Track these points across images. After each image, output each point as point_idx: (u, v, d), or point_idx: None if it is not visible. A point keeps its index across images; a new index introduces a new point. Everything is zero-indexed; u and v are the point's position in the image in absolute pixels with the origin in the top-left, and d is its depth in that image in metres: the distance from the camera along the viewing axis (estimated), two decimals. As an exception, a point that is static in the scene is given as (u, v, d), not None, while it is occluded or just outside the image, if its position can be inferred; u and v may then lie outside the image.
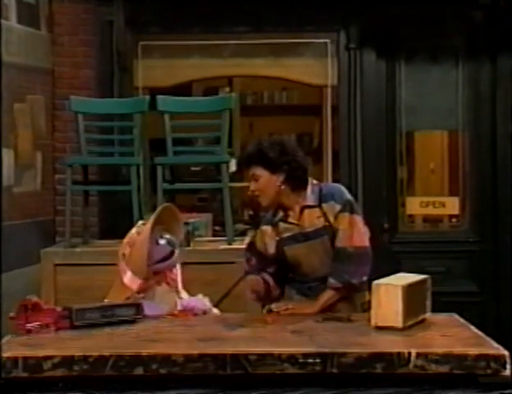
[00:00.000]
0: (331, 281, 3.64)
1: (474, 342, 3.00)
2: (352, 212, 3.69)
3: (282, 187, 3.69)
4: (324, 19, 6.24)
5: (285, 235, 3.73)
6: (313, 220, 3.70)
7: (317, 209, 3.70)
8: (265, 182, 3.68)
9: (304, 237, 3.70)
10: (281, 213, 3.76)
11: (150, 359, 2.85)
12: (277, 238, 3.74)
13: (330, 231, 3.67)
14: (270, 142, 3.74)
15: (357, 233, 3.68)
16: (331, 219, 3.68)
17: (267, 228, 3.79)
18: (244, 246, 4.99)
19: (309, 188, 3.74)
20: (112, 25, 6.12)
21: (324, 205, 3.70)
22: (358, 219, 3.70)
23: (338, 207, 3.68)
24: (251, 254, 3.83)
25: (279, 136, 4.01)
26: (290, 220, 3.74)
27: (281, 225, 3.76)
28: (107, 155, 5.59)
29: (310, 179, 3.77)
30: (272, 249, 3.75)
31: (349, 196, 3.74)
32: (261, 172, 3.67)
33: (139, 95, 6.19)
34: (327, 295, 3.65)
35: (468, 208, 6.42)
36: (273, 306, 3.60)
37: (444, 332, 3.20)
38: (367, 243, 3.71)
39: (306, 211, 3.72)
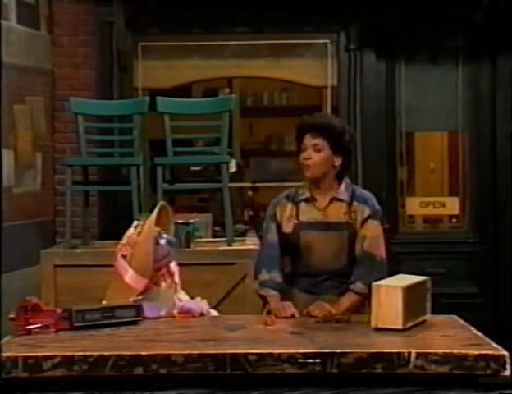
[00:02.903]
0: (360, 285, 3.61)
1: (474, 343, 3.00)
2: (380, 222, 3.73)
3: (334, 170, 3.69)
4: (324, 20, 6.23)
5: (306, 219, 3.69)
6: (338, 213, 3.69)
7: (344, 205, 3.69)
8: (323, 158, 3.67)
9: (325, 226, 3.67)
10: (307, 194, 3.73)
11: (150, 360, 2.85)
12: (296, 221, 3.70)
13: (351, 230, 3.66)
14: (342, 124, 3.79)
15: (384, 244, 3.72)
16: (359, 220, 3.67)
17: (288, 204, 3.75)
18: (243, 247, 5.03)
19: (344, 184, 3.75)
20: (111, 25, 6.12)
21: (355, 204, 3.69)
22: (382, 230, 3.75)
23: (368, 212, 3.69)
24: (274, 227, 3.75)
25: (346, 123, 4.04)
26: (317, 205, 3.71)
27: (303, 205, 3.72)
28: (107, 156, 5.59)
29: (345, 176, 3.79)
30: (288, 229, 3.71)
31: (379, 206, 3.76)
32: (324, 147, 3.66)
33: (139, 96, 6.20)
34: (352, 299, 3.63)
35: (468, 208, 6.41)
36: (310, 308, 3.56)
37: (444, 332, 3.20)
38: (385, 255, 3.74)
39: (334, 203, 3.70)
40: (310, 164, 3.66)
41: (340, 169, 3.72)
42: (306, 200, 3.73)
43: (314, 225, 3.69)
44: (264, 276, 3.71)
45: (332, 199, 3.71)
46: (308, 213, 3.72)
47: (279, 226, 3.75)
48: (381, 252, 3.70)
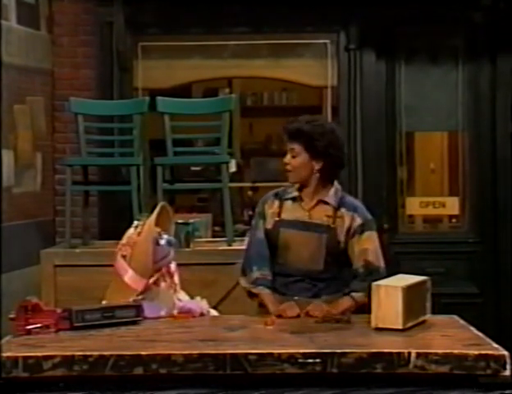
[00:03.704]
0: (361, 295, 3.59)
1: (474, 343, 3.00)
2: (376, 232, 3.71)
3: (316, 174, 3.68)
4: (324, 19, 6.24)
5: (287, 217, 3.69)
6: (321, 215, 3.67)
7: (330, 209, 3.68)
8: (301, 163, 3.66)
9: (305, 226, 3.66)
10: (295, 193, 3.73)
11: (150, 360, 2.85)
12: (277, 218, 3.70)
13: (331, 234, 3.64)
14: (323, 129, 3.68)
15: (382, 253, 3.71)
16: (345, 227, 3.65)
17: (275, 201, 3.75)
18: (243, 247, 5.01)
19: (333, 189, 3.73)
20: (111, 25, 6.12)
21: (343, 210, 3.67)
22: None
23: (359, 221, 3.66)
24: (261, 224, 3.74)
25: (333, 124, 3.98)
26: (303, 205, 3.70)
27: (289, 204, 3.72)
28: (107, 156, 5.59)
29: (336, 181, 3.77)
30: (269, 225, 3.72)
31: (370, 215, 3.73)
32: (300, 151, 3.66)
33: (139, 96, 6.20)
34: (348, 304, 3.61)
35: (468, 208, 6.41)
36: (309, 308, 3.55)
37: (444, 332, 3.20)
38: None
39: (320, 205, 3.69)
40: (289, 169, 3.69)
41: (323, 173, 3.69)
42: (293, 199, 3.73)
43: (295, 224, 3.68)
44: (255, 273, 3.69)
45: (319, 202, 3.70)
46: (291, 212, 3.71)
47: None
48: (382, 262, 3.70)
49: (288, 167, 3.69)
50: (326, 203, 3.70)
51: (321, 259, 3.66)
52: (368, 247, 3.67)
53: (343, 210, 3.68)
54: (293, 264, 3.68)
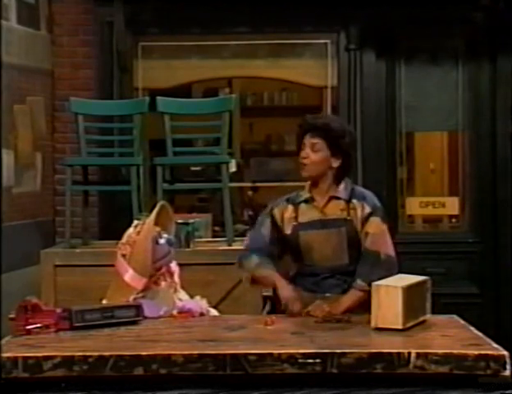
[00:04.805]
0: (360, 283, 3.58)
1: (474, 343, 3.00)
2: (383, 219, 3.71)
3: (331, 172, 3.70)
4: (324, 19, 6.24)
5: (304, 219, 3.71)
6: (336, 210, 3.70)
7: (343, 202, 3.70)
8: (321, 158, 3.68)
9: (322, 225, 3.68)
10: (307, 194, 3.75)
11: (150, 360, 2.85)
12: (295, 223, 3.71)
13: (349, 227, 3.66)
14: (343, 126, 3.79)
15: (389, 241, 3.70)
16: (358, 217, 3.67)
17: (288, 206, 3.76)
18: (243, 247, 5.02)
19: (343, 184, 3.75)
20: (111, 25, 6.12)
21: (354, 201, 3.70)
22: (387, 228, 3.73)
23: (368, 209, 3.68)
24: (268, 223, 3.77)
25: (347, 125, 4.05)
26: (316, 204, 3.72)
27: (303, 206, 3.74)
28: (107, 156, 5.60)
29: (346, 178, 3.79)
30: (288, 230, 3.72)
31: (379, 204, 3.75)
32: (323, 147, 3.68)
33: (139, 96, 6.20)
34: (354, 297, 3.59)
35: (468, 208, 6.41)
36: (310, 308, 3.55)
37: (444, 332, 3.20)
38: (394, 253, 3.72)
39: (333, 201, 3.71)
40: (307, 163, 3.69)
41: (339, 171, 3.72)
42: (306, 201, 3.75)
43: (312, 224, 3.70)
44: (255, 260, 3.72)
45: (331, 198, 3.73)
46: (307, 214, 3.73)
47: (278, 227, 3.76)
48: (386, 249, 3.67)
49: (305, 161, 3.69)
50: (338, 198, 3.72)
51: (344, 253, 3.68)
52: (369, 231, 3.67)
53: (354, 201, 3.71)
54: (319, 263, 3.69)
